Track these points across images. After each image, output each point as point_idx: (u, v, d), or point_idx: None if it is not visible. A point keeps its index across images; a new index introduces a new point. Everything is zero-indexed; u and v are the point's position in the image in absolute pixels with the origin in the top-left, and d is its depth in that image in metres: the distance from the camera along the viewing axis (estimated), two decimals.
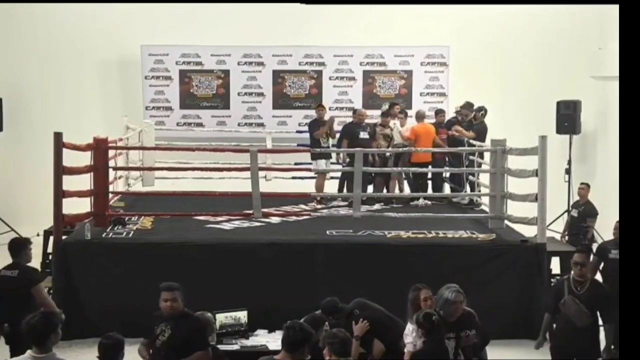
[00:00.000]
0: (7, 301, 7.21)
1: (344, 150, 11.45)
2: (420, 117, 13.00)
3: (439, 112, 13.62)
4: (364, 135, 12.28)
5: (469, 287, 6.44)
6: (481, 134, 12.43)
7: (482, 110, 12.74)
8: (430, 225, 10.54)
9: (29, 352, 5.05)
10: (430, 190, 12.86)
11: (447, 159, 13.06)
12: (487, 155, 11.30)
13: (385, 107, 13.18)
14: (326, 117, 12.58)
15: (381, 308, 7.27)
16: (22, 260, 7.50)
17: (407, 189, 13.04)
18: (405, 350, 6.42)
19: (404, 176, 12.94)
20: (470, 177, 12.53)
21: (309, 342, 5.35)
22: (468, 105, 13.09)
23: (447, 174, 13.35)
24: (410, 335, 6.40)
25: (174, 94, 15.76)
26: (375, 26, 15.84)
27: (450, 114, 15.31)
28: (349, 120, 13.03)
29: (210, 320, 6.93)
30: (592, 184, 12.07)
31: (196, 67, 15.77)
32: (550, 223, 12.45)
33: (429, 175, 12.99)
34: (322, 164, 12.12)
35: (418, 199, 12.30)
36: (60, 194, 9.46)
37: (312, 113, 13.33)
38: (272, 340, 8.29)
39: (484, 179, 11.88)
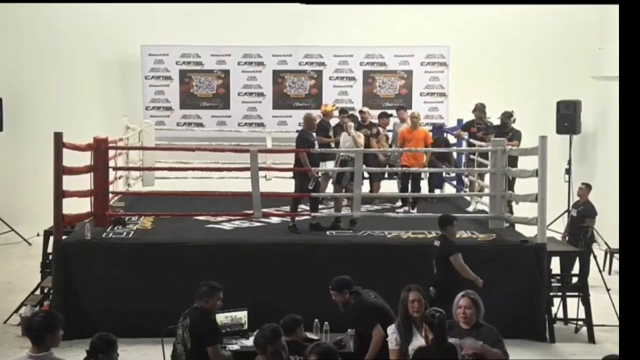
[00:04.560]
0: (435, 267, 8.72)
1: (344, 150, 11.26)
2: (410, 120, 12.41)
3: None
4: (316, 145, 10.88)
5: (469, 287, 6.45)
6: (518, 142, 11.91)
7: (513, 115, 12.19)
8: (430, 225, 10.52)
9: (26, 351, 5.04)
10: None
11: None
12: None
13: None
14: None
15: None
16: (447, 233, 8.81)
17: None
18: (389, 348, 6.54)
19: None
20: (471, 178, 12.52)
21: (262, 345, 5.49)
22: (482, 107, 12.86)
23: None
24: (390, 333, 6.54)
25: (174, 94, 15.76)
26: (375, 26, 15.84)
27: (451, 115, 15.36)
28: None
29: None
30: (592, 184, 12.06)
31: (196, 67, 15.77)
32: (550, 223, 12.45)
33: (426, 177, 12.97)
34: (330, 165, 11.47)
35: (404, 205, 12.06)
36: (60, 194, 9.46)
37: (312, 113, 13.26)
38: None
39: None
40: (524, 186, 10.95)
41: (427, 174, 12.97)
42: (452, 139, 13.97)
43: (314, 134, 11.06)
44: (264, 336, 5.50)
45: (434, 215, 10.79)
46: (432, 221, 10.59)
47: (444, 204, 12.48)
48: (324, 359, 5.09)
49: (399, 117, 13.39)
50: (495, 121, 12.81)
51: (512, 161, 11.06)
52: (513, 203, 11.31)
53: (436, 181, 13.40)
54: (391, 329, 6.65)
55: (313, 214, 10.68)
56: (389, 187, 13.43)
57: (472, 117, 13.01)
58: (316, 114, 11.99)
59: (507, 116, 12.37)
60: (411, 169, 11.78)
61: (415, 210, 11.74)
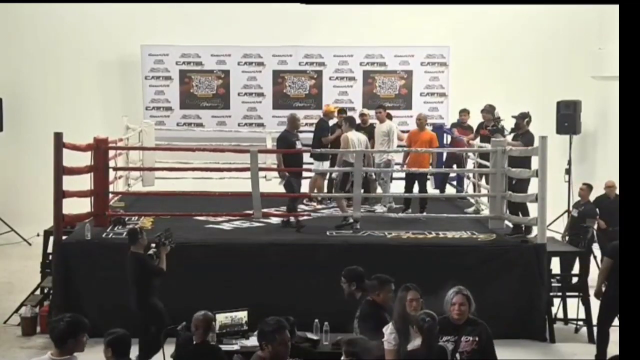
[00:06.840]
0: None
1: (344, 150, 11.21)
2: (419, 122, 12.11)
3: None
4: (299, 145, 11.16)
5: (469, 287, 6.45)
6: (529, 145, 11.04)
7: (528, 117, 11.28)
8: (430, 225, 10.54)
9: (49, 353, 5.01)
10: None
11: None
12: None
13: None
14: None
15: None
16: None
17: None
18: (385, 348, 6.54)
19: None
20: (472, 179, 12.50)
21: (270, 333, 5.27)
22: (491, 108, 12.71)
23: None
24: (387, 334, 6.53)
25: (174, 94, 15.77)
26: (375, 26, 15.84)
27: (451, 115, 15.35)
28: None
29: (211, 320, 6.95)
30: (592, 184, 12.07)
31: (196, 67, 15.78)
32: (550, 223, 12.45)
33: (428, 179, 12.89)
34: (326, 165, 12.14)
35: (408, 207, 11.76)
36: (60, 194, 9.46)
37: (312, 113, 13.31)
38: None
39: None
40: None
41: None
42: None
43: (297, 134, 11.28)
44: (270, 324, 5.33)
45: (434, 216, 10.84)
46: (432, 221, 10.63)
47: (444, 204, 12.49)
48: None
49: (377, 118, 12.50)
50: (508, 121, 12.45)
51: (526, 162, 10.72)
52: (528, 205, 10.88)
53: (442, 181, 13.35)
54: (389, 329, 6.64)
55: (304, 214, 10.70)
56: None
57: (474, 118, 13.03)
58: (316, 114, 12.02)
59: (520, 117, 11.76)
60: (412, 170, 11.68)
61: (424, 213, 11.40)
